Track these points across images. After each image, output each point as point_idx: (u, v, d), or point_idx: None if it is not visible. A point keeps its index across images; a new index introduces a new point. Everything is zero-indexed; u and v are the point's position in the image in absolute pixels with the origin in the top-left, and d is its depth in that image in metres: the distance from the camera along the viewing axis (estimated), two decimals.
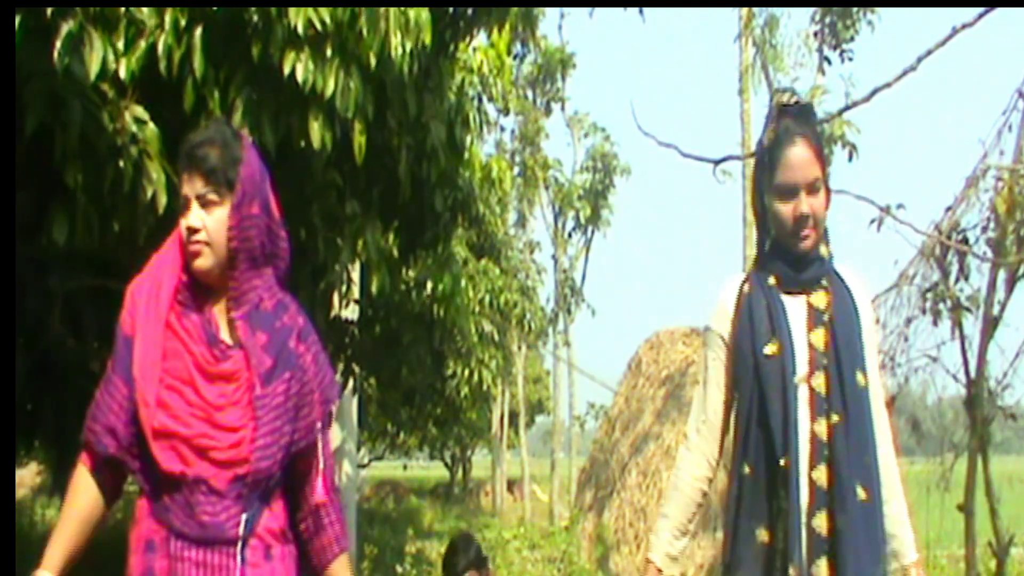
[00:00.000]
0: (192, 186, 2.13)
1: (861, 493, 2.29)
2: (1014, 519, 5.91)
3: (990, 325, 5.36)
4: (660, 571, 2.46)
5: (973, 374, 5.42)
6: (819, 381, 2.33)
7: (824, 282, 2.42)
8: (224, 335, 2.15)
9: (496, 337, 12.52)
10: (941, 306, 5.47)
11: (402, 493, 28.82)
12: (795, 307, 2.40)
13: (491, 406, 21.27)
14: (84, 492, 2.12)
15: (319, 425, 2.21)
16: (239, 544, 2.08)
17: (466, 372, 12.17)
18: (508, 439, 25.52)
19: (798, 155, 2.34)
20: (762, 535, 2.32)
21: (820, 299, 2.40)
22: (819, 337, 2.36)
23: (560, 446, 24.23)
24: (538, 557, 10.53)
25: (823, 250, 2.44)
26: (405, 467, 35.07)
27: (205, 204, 2.13)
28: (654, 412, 10.57)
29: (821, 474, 2.29)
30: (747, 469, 2.34)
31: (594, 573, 9.64)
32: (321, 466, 2.22)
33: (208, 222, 2.12)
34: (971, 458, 5.40)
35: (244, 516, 2.09)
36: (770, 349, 2.35)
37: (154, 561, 2.07)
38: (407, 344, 7.75)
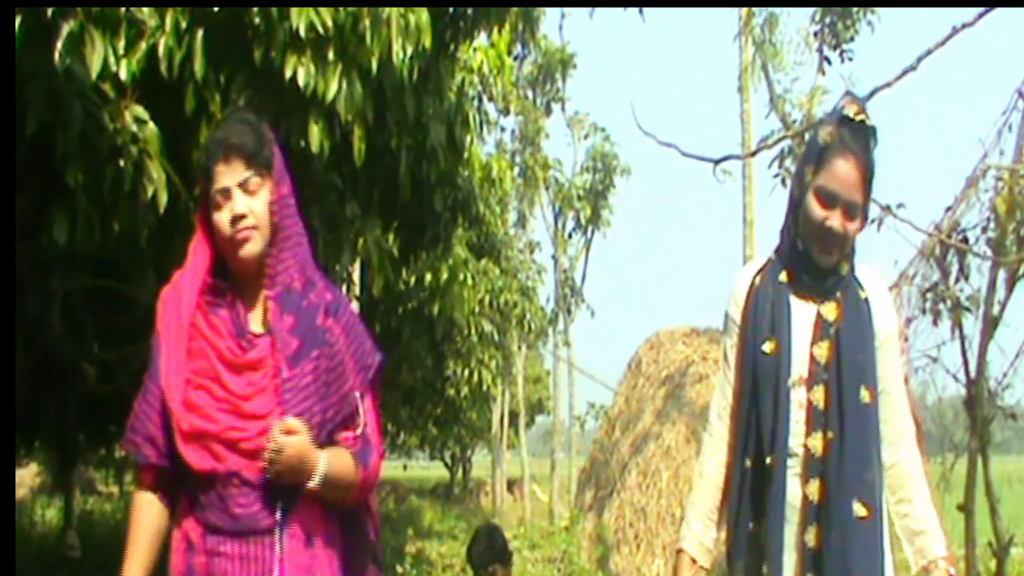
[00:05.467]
0: (232, 175, 2.12)
1: (860, 510, 2.26)
2: (1014, 519, 5.91)
3: (990, 325, 5.36)
4: (695, 562, 2.39)
5: (973, 374, 5.42)
6: (818, 395, 2.31)
7: (838, 294, 2.37)
8: (253, 325, 2.15)
9: (496, 337, 12.50)
10: (941, 306, 5.46)
11: (402, 493, 28.78)
12: (803, 312, 2.37)
13: (491, 406, 21.23)
14: (147, 513, 2.14)
15: (356, 395, 2.19)
16: (276, 534, 2.07)
17: (466, 372, 12.17)
18: (508, 439, 25.47)
19: (845, 172, 2.30)
20: (753, 527, 2.33)
21: (830, 310, 2.36)
22: (822, 350, 2.33)
23: (560, 446, 24.21)
24: (538, 557, 10.51)
25: (843, 267, 2.39)
26: (405, 467, 35.09)
27: (248, 189, 2.13)
28: (654, 412, 10.55)
29: (814, 489, 2.27)
30: (748, 463, 2.34)
31: (594, 573, 9.62)
32: (360, 425, 2.20)
33: (254, 206, 2.12)
34: (971, 458, 5.40)
35: (278, 505, 2.08)
36: (767, 347, 2.35)
37: (192, 558, 2.08)
38: (407, 340, 7.73)
